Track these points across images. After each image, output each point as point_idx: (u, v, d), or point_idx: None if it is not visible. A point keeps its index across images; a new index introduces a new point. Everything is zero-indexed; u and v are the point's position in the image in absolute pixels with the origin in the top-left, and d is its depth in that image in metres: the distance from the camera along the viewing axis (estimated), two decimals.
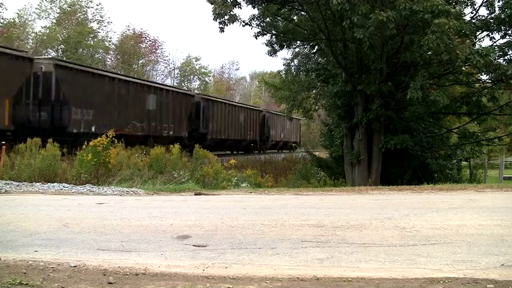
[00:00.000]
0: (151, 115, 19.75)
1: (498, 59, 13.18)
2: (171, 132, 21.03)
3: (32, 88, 14.53)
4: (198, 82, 51.97)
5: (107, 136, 10.41)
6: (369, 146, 14.99)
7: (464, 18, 13.69)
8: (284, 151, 37.02)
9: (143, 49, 44.66)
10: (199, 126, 23.90)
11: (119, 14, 75.04)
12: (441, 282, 3.24)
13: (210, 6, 13.39)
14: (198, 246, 4.25)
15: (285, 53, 60.54)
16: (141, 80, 22.46)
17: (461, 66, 13.09)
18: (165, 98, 20.86)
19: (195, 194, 8.63)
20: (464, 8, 14.42)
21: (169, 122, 21.08)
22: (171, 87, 25.32)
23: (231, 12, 13.52)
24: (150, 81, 24.00)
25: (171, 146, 12.27)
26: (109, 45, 41.98)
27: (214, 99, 27.22)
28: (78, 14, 39.71)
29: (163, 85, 24.45)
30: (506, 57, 13.94)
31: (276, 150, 35.32)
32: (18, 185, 8.89)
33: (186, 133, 22.48)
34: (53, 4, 39.57)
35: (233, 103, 30.39)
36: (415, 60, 13.22)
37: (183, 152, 13.43)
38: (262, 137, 32.58)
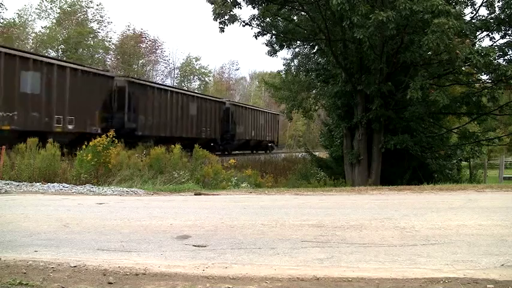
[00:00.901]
0: (33, 101, 14.40)
1: (498, 59, 13.17)
2: (70, 127, 15.70)
3: None
4: (198, 82, 52.15)
5: (107, 136, 10.42)
6: (369, 146, 15.00)
7: (464, 18, 13.70)
8: (260, 151, 31.60)
9: (143, 49, 44.77)
10: (125, 119, 18.30)
11: (119, 14, 75.23)
12: (441, 282, 3.24)
13: (210, 6, 13.42)
14: (198, 246, 4.25)
15: (285, 53, 60.78)
16: (9, 48, 14.98)
17: (461, 66, 13.09)
18: (58, 77, 15.28)
19: (195, 194, 8.63)
20: (464, 8, 14.47)
21: (67, 112, 15.67)
22: (70, 63, 18.17)
23: (231, 12, 13.54)
24: (29, 53, 17.02)
25: (169, 146, 12.19)
26: (109, 45, 42.12)
27: (147, 83, 21.23)
28: (78, 14, 39.81)
29: (55, 59, 17.82)
30: (506, 57, 13.94)
31: (248, 151, 29.80)
32: (18, 185, 8.89)
33: (98, 128, 16.93)
34: (53, 4, 39.70)
35: (178, 90, 24.04)
36: (415, 60, 13.22)
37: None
38: (226, 135, 26.91)
